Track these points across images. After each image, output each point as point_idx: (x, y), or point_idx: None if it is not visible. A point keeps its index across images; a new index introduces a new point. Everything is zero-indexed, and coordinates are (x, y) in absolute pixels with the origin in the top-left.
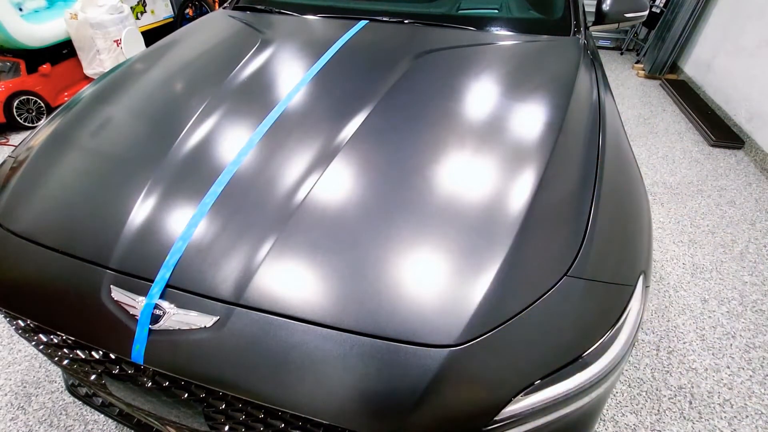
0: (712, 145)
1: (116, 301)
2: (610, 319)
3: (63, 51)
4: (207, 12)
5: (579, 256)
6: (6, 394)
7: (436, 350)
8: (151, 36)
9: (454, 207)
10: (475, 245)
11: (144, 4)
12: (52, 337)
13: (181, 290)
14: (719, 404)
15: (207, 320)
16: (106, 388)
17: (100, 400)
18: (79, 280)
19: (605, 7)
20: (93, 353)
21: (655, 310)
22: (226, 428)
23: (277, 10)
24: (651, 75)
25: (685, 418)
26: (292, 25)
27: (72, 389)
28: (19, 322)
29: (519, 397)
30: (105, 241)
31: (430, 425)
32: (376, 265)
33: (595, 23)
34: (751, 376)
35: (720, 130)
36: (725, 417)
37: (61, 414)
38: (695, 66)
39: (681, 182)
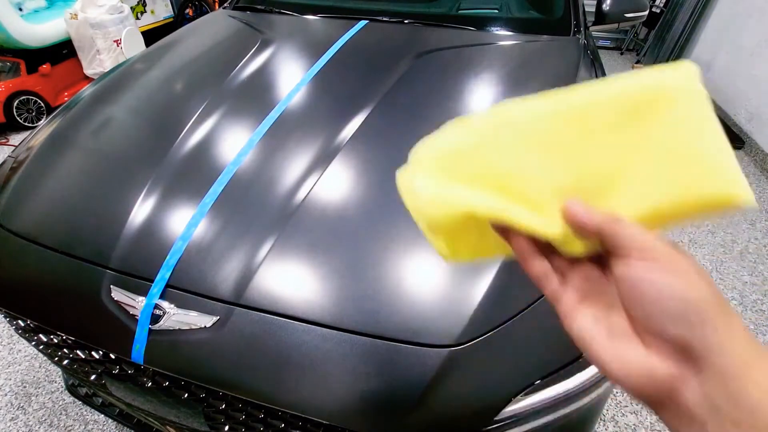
0: None
1: (116, 301)
2: None
3: (63, 51)
4: (207, 12)
5: None
6: (6, 394)
7: (436, 350)
8: (151, 36)
9: None
10: None
11: (144, 4)
12: (52, 337)
13: (181, 290)
14: None
15: (207, 320)
16: (106, 388)
17: (100, 400)
18: (79, 280)
19: (605, 7)
20: (93, 353)
21: None
22: (226, 428)
23: (277, 10)
24: None
25: None
26: (292, 25)
27: (72, 389)
28: (19, 322)
29: (519, 397)
30: (105, 241)
31: (431, 425)
32: (377, 265)
33: (595, 23)
34: None
35: None
36: None
37: (61, 414)
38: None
39: None
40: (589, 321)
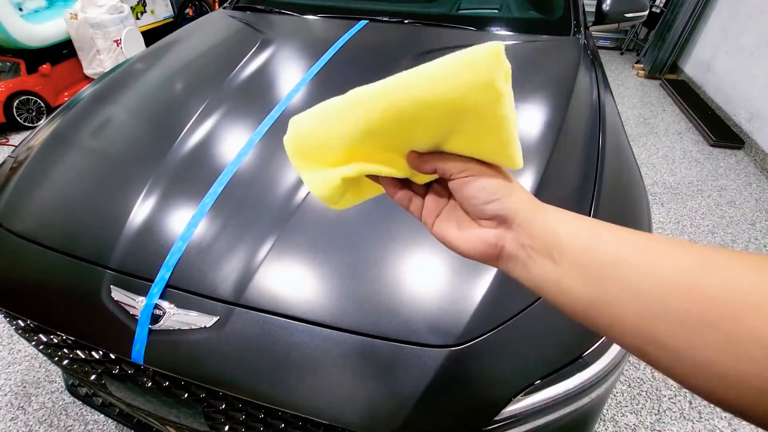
0: (712, 145)
1: (116, 301)
2: None
3: (63, 51)
4: (207, 12)
5: None
6: (6, 394)
7: (436, 350)
8: (151, 36)
9: None
10: None
11: (144, 4)
12: (52, 337)
13: (181, 290)
14: None
15: (207, 320)
16: (106, 388)
17: (100, 400)
18: (79, 280)
19: (605, 7)
20: (93, 353)
21: None
22: (226, 428)
23: (277, 10)
24: (651, 75)
25: (685, 417)
26: (292, 25)
27: (72, 389)
28: (19, 322)
29: (519, 397)
30: (105, 241)
31: (431, 425)
32: (377, 265)
33: (595, 23)
34: None
35: (720, 130)
36: (725, 417)
37: (61, 414)
38: (695, 66)
39: (681, 182)
40: (443, 221)
